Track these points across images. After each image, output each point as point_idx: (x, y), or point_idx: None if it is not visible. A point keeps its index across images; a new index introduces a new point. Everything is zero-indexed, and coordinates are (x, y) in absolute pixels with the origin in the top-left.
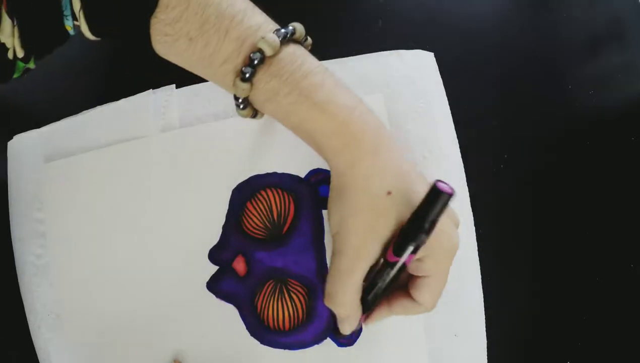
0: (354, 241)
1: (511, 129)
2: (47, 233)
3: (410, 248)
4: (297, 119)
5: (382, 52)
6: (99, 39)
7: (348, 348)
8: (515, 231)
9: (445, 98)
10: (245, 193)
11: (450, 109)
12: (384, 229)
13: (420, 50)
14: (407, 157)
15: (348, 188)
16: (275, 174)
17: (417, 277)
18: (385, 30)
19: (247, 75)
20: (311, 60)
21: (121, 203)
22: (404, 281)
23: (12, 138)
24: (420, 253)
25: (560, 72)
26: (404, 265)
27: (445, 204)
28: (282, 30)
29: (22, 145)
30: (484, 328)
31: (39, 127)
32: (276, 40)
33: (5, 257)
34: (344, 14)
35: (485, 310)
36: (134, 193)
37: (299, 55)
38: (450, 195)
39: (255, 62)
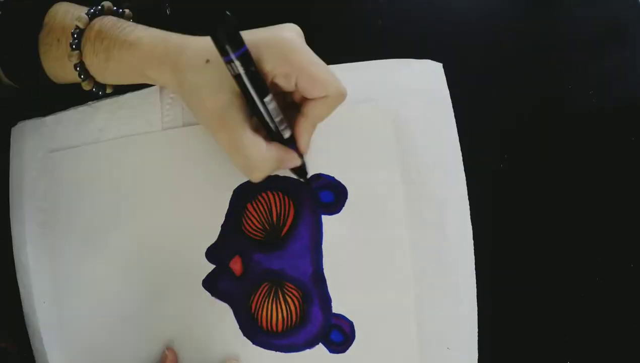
0: (208, 114)
1: (511, 129)
2: (47, 222)
3: (226, 42)
4: (125, 64)
5: (390, 60)
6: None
7: (339, 355)
8: (515, 231)
9: (451, 109)
10: (246, 194)
11: None
12: (219, 84)
13: (429, 60)
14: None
15: (186, 97)
16: (276, 177)
17: (298, 84)
18: (385, 30)
19: (73, 45)
20: (121, 23)
21: (122, 197)
22: (299, 99)
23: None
24: (270, 64)
25: (561, 72)
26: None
27: None
28: (92, 10)
29: (25, 132)
30: (476, 339)
31: (44, 115)
32: (85, 16)
33: (4, 243)
34: (344, 14)
35: (483, 310)
36: (135, 187)
37: (111, 22)
38: None
39: (75, 35)
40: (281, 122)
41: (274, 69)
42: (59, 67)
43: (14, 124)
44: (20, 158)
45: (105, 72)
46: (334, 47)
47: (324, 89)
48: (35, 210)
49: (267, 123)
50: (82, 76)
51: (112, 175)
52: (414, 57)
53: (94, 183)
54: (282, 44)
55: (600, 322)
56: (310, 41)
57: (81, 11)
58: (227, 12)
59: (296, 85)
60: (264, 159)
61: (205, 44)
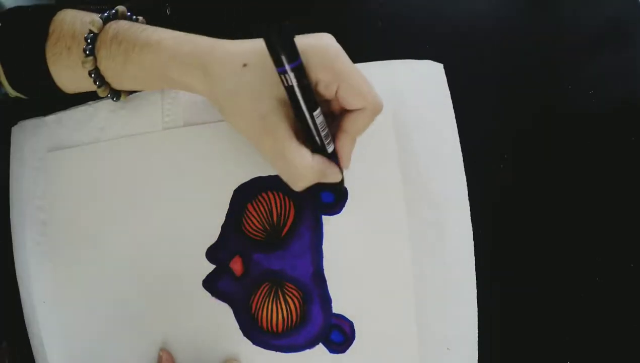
0: (249, 121)
1: (511, 129)
2: (47, 221)
3: (282, 52)
4: (146, 67)
5: (390, 61)
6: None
7: (339, 355)
8: (515, 231)
9: (452, 110)
10: (247, 194)
11: None
12: (259, 89)
13: (430, 61)
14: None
15: (220, 102)
16: (277, 177)
17: (338, 93)
18: (385, 31)
19: (87, 51)
20: (138, 25)
21: (122, 197)
22: (337, 110)
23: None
24: (313, 72)
25: (560, 72)
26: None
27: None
28: (105, 14)
29: (25, 132)
30: (476, 339)
31: (44, 115)
32: (99, 20)
33: (3, 243)
34: (344, 14)
35: (483, 310)
36: (135, 187)
37: (128, 24)
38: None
39: (89, 40)
40: (327, 136)
41: (317, 76)
42: (71, 75)
43: (14, 124)
44: (21, 157)
45: (123, 77)
46: None
47: (363, 99)
48: (36, 209)
49: (312, 136)
50: (97, 83)
51: (112, 175)
52: (414, 58)
53: (94, 183)
54: (325, 52)
55: (600, 322)
56: None
57: (91, 17)
58: (286, 21)
59: (336, 93)
60: (310, 169)
61: (238, 47)
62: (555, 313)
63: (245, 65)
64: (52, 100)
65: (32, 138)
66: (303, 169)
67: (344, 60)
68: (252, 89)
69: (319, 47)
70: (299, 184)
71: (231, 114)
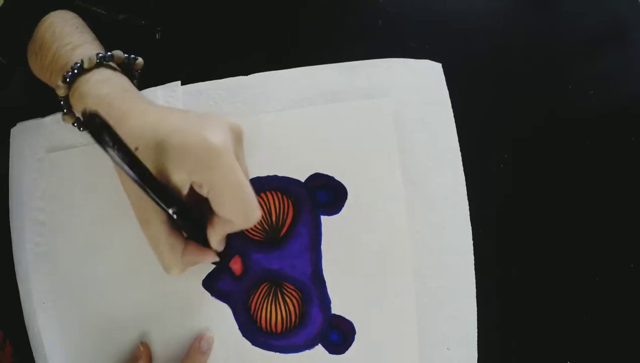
0: (135, 203)
1: (511, 128)
2: (46, 222)
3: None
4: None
5: (390, 59)
6: None
7: (339, 355)
8: (515, 231)
9: (451, 110)
10: None
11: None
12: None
13: (428, 61)
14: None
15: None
16: (275, 177)
17: (209, 197)
18: (385, 30)
19: (67, 79)
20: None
21: (121, 198)
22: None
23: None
24: (186, 171)
25: (560, 71)
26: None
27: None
28: (101, 54)
29: (24, 132)
30: (476, 339)
31: (43, 116)
32: (94, 58)
33: (3, 244)
34: (344, 14)
35: (483, 310)
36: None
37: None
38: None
39: (76, 70)
40: (195, 225)
41: (190, 176)
42: (42, 75)
43: (14, 125)
44: (20, 158)
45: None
46: (334, 47)
47: (231, 214)
48: (35, 210)
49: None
50: (64, 110)
51: (111, 176)
52: (413, 57)
53: (93, 183)
54: (205, 154)
55: (600, 322)
56: (310, 41)
57: (82, 42)
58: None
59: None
60: (179, 264)
61: (141, 125)
62: (555, 313)
63: (136, 148)
64: (43, 93)
65: (31, 139)
66: (173, 264)
67: (221, 169)
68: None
69: (198, 148)
70: (171, 272)
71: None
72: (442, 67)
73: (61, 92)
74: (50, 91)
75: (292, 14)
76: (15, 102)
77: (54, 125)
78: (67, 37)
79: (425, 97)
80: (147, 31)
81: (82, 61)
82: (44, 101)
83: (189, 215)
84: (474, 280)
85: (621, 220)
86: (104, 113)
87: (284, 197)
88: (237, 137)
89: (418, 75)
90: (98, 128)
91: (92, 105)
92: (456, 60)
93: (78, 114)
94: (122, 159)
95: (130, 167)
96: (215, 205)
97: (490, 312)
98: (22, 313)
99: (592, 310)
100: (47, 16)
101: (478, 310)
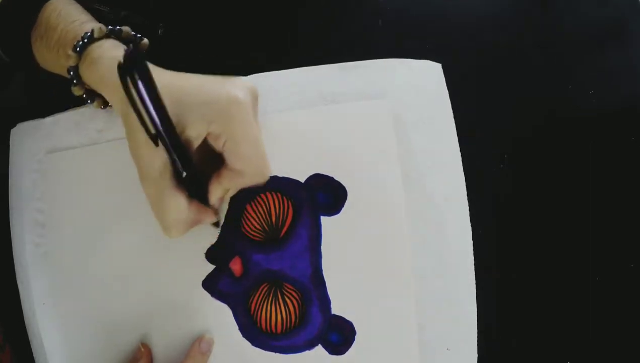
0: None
1: (511, 128)
2: (46, 223)
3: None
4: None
5: (389, 59)
6: None
7: (339, 356)
8: (515, 231)
9: (451, 110)
10: (246, 195)
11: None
12: None
13: (428, 61)
14: None
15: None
16: (275, 177)
17: (224, 149)
18: (385, 30)
19: (77, 48)
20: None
21: (121, 198)
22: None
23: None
24: (206, 122)
25: (561, 71)
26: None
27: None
28: (112, 27)
29: (24, 133)
30: (476, 339)
31: (43, 117)
32: (105, 28)
33: (3, 244)
34: (344, 14)
35: (483, 310)
36: (134, 189)
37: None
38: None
39: (85, 40)
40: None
41: (208, 127)
42: (48, 57)
43: (14, 125)
44: (19, 159)
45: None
46: (334, 47)
47: (247, 165)
48: (35, 211)
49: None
50: (74, 81)
51: (111, 177)
52: (413, 57)
53: (93, 184)
54: (225, 107)
55: (600, 322)
56: (310, 41)
57: (86, 19)
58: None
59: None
60: (181, 224)
61: (162, 82)
62: (555, 313)
63: None
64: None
65: (30, 140)
66: (176, 223)
67: (241, 120)
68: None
69: (220, 99)
70: (172, 233)
71: (130, 140)
72: (442, 67)
73: (71, 61)
74: (50, 91)
75: (292, 14)
76: (15, 102)
77: (54, 126)
78: (73, 15)
79: (425, 97)
80: (148, 29)
81: (92, 30)
82: (44, 101)
83: (195, 172)
84: (474, 280)
85: (621, 220)
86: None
87: (284, 198)
88: (254, 98)
89: (418, 76)
90: (138, 64)
91: (107, 65)
92: (456, 60)
93: (88, 84)
94: (153, 104)
95: (157, 114)
96: (230, 156)
97: (490, 312)
98: (22, 313)
99: (592, 310)
100: (49, 2)
101: (478, 310)
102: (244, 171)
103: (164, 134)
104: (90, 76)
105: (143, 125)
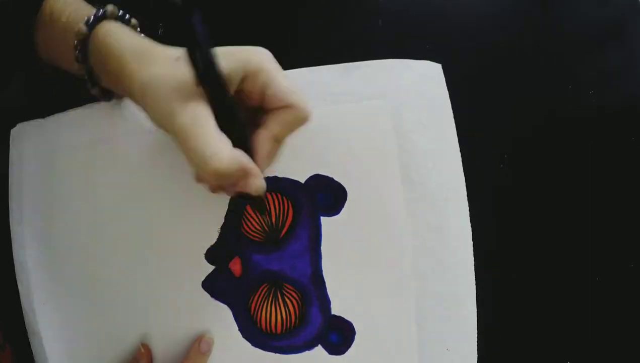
0: (173, 101)
1: (511, 128)
2: (46, 223)
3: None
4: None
5: (389, 60)
6: None
7: (339, 356)
8: (515, 231)
9: (451, 111)
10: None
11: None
12: (188, 79)
13: (428, 61)
14: None
15: (141, 84)
16: (275, 178)
17: (265, 92)
18: (385, 30)
19: (79, 59)
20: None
21: (121, 199)
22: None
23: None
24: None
25: (561, 71)
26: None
27: None
28: (91, 17)
29: (24, 134)
30: (476, 340)
31: (43, 117)
32: (115, 9)
33: (3, 244)
34: (344, 14)
35: (483, 310)
36: (135, 189)
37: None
38: None
39: (99, 15)
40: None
41: (244, 68)
42: (53, 45)
43: (14, 125)
44: (20, 159)
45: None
46: (334, 47)
47: (289, 97)
48: (35, 211)
49: (223, 117)
50: (80, 57)
51: (111, 177)
52: (413, 57)
53: (93, 184)
54: (254, 50)
55: (600, 322)
56: (310, 41)
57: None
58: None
59: (262, 97)
60: (228, 152)
61: (176, 49)
62: (555, 313)
63: (178, 58)
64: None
65: (31, 140)
66: (220, 148)
67: (272, 58)
68: (182, 74)
69: (247, 48)
70: (216, 161)
71: (154, 100)
72: (442, 67)
73: (81, 36)
74: (50, 91)
75: (292, 14)
76: (15, 102)
77: (54, 126)
78: (78, 2)
79: (425, 97)
80: (149, 29)
81: (107, 9)
82: (44, 101)
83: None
84: (474, 280)
85: (621, 220)
86: (137, 43)
87: (284, 198)
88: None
89: (418, 76)
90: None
91: (120, 34)
92: (456, 60)
93: (95, 58)
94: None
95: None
96: (270, 93)
97: (490, 312)
98: (22, 313)
99: (592, 310)
100: None
101: (478, 310)
102: (288, 105)
103: (219, 80)
104: (98, 51)
105: (195, 68)
